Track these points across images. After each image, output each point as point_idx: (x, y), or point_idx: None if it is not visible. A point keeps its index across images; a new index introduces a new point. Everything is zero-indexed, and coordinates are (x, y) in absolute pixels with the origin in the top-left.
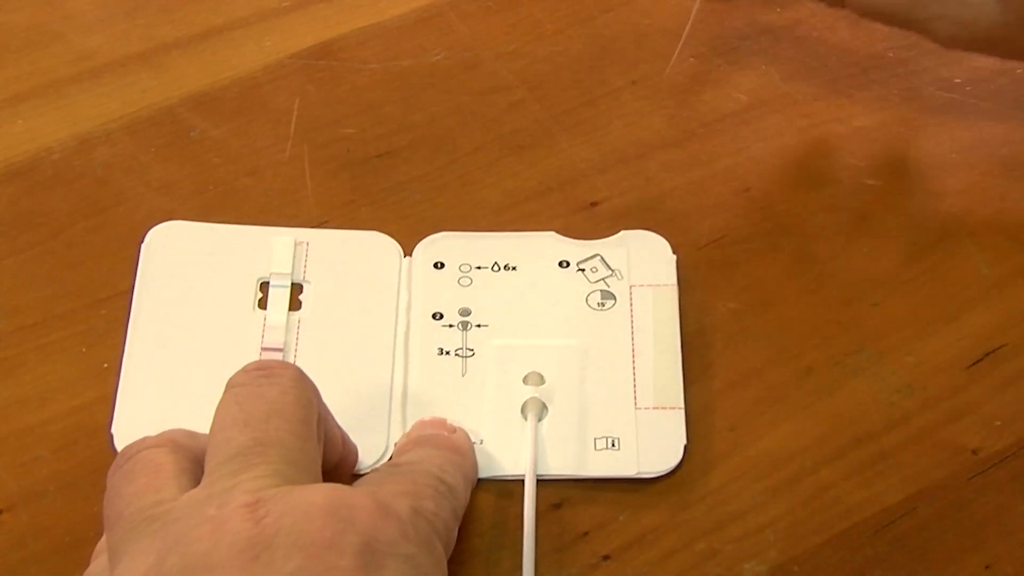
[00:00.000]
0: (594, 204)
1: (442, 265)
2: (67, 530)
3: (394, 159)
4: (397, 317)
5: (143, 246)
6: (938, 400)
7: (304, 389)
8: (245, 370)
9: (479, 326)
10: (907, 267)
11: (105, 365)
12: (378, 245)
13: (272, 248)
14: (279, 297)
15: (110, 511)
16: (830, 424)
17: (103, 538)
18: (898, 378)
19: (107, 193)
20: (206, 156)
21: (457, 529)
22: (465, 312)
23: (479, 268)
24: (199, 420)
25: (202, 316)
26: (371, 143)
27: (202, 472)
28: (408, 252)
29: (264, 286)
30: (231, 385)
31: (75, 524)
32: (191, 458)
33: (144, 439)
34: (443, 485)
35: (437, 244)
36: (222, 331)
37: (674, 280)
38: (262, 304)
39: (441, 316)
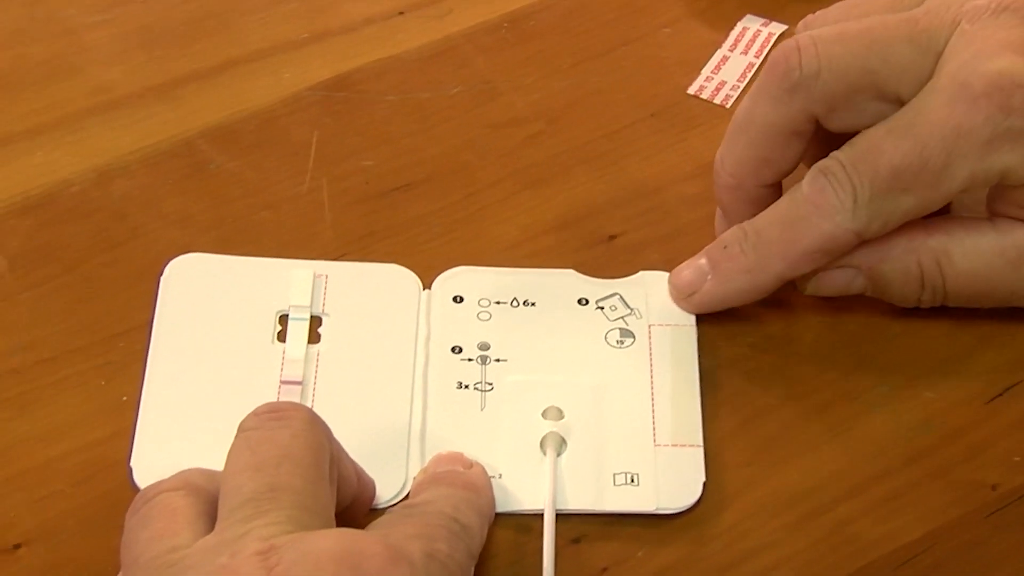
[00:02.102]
0: (612, 238)
1: (461, 299)
2: (84, 565)
3: (412, 192)
4: (416, 350)
5: (162, 279)
6: (956, 436)
7: (316, 432)
8: (256, 413)
9: (498, 360)
10: None
11: (124, 399)
12: (397, 278)
13: (291, 281)
14: (298, 330)
15: (127, 555)
16: (847, 460)
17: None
18: (916, 414)
19: (125, 226)
20: (224, 189)
21: (472, 569)
22: (484, 346)
23: (498, 303)
24: (218, 454)
25: (221, 349)
26: (389, 176)
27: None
28: (427, 285)
29: (283, 319)
30: (242, 429)
31: (93, 559)
32: (208, 500)
33: (161, 482)
34: (457, 524)
35: (456, 278)
36: (241, 364)
37: (692, 320)
38: (281, 337)
39: (460, 350)
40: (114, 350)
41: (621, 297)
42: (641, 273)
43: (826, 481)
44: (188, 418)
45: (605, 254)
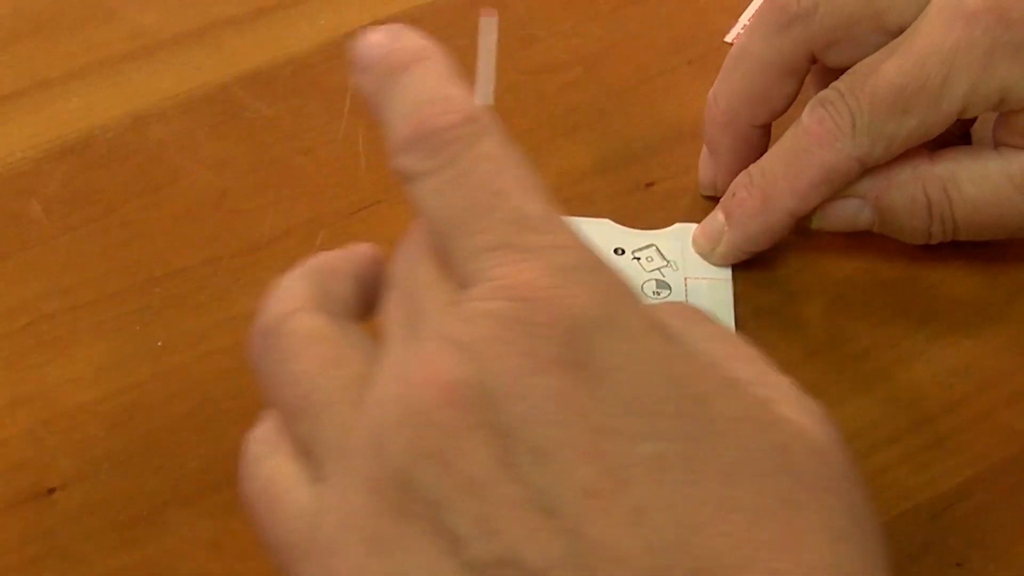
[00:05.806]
0: (649, 185)
1: None
2: (121, 508)
3: None
4: None
5: None
6: (996, 383)
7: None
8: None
9: None
10: (964, 248)
11: (159, 344)
12: None
13: None
14: None
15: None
16: (886, 407)
17: None
18: (955, 361)
19: (161, 171)
20: (260, 134)
21: None
22: None
23: None
24: None
25: None
26: None
27: None
28: None
29: None
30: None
31: (128, 502)
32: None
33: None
34: None
35: None
36: None
37: (728, 275)
38: None
39: None
40: (150, 295)
41: (657, 249)
42: (677, 225)
43: (864, 429)
44: None
45: (642, 201)
